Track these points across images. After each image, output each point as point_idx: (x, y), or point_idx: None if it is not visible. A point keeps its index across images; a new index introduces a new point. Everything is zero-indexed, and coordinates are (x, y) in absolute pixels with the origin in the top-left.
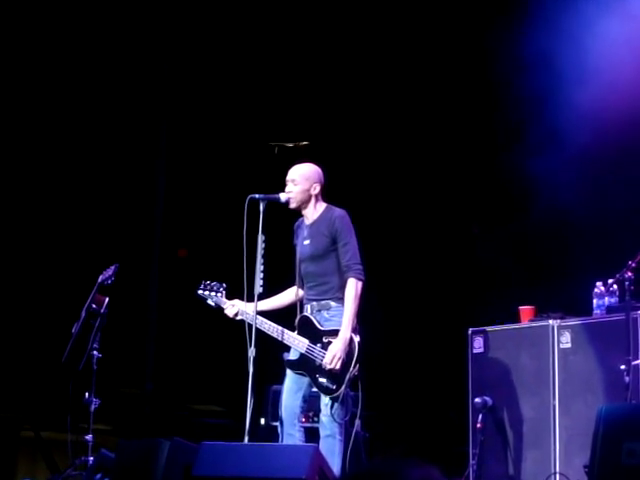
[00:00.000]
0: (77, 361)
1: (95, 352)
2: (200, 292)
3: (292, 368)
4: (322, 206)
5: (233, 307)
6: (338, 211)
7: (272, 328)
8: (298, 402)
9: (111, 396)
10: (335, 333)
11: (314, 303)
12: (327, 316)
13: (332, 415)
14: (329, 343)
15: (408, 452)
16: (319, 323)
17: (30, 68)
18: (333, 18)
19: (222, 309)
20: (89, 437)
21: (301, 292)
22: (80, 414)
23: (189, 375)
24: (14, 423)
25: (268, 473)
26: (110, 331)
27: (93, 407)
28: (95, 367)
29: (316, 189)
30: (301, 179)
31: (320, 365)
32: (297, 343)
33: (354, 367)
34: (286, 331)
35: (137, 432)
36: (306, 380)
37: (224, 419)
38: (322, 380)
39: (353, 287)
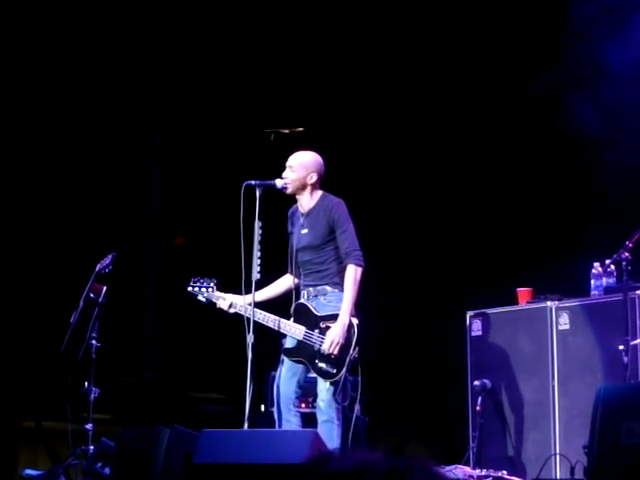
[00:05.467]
0: (76, 350)
1: (94, 341)
2: (190, 289)
3: (289, 355)
4: (318, 194)
5: (225, 300)
6: (334, 199)
7: (267, 318)
8: (293, 387)
9: (110, 385)
10: (332, 318)
11: (310, 289)
12: (324, 302)
13: (335, 399)
14: (327, 328)
15: (408, 436)
16: (315, 309)
17: (37, 68)
18: (327, 3)
19: (214, 304)
20: (89, 426)
21: (295, 280)
22: (80, 403)
23: (188, 363)
24: (15, 414)
25: (268, 459)
26: (108, 320)
27: (93, 396)
28: (94, 356)
29: (312, 178)
30: (298, 167)
31: (319, 350)
32: (294, 331)
33: (354, 350)
34: (282, 320)
35: (137, 420)
36: (301, 366)
37: (224, 406)
38: (321, 365)
39: (352, 273)
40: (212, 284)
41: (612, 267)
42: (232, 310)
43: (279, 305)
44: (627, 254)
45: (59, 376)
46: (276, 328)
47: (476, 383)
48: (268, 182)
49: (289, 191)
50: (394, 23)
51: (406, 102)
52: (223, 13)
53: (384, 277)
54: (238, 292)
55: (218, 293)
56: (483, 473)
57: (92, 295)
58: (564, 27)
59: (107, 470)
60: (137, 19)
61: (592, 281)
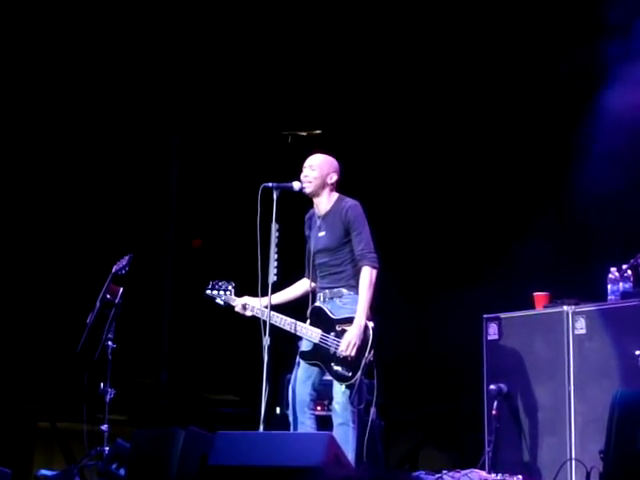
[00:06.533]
0: (92, 351)
1: (110, 342)
2: (208, 292)
3: (305, 358)
4: (334, 196)
5: (243, 304)
6: (350, 201)
7: (283, 321)
8: (308, 390)
9: (126, 386)
10: (348, 321)
11: (327, 291)
12: (340, 304)
13: (351, 402)
14: (343, 331)
15: (424, 440)
16: (331, 312)
17: (57, 71)
18: (344, 4)
19: (232, 307)
20: (105, 427)
21: (312, 283)
22: (96, 404)
23: (204, 364)
24: (31, 414)
25: (284, 461)
26: (125, 321)
27: (108, 397)
28: (110, 357)
29: (332, 178)
30: (319, 166)
31: (334, 353)
32: (310, 334)
33: (369, 353)
34: (298, 323)
35: (153, 422)
36: (316, 369)
37: (239, 408)
38: (337, 368)
39: (368, 275)
40: (230, 287)
41: (629, 272)
42: (249, 313)
43: (296, 308)
44: None
45: (75, 377)
46: (292, 331)
47: (492, 387)
48: (286, 184)
49: (309, 190)
50: (410, 19)
51: (423, 105)
52: (242, 14)
53: (400, 280)
54: (255, 294)
55: (236, 298)
56: (498, 477)
57: (109, 296)
58: None
59: (122, 471)
60: (156, 19)
61: (609, 286)
